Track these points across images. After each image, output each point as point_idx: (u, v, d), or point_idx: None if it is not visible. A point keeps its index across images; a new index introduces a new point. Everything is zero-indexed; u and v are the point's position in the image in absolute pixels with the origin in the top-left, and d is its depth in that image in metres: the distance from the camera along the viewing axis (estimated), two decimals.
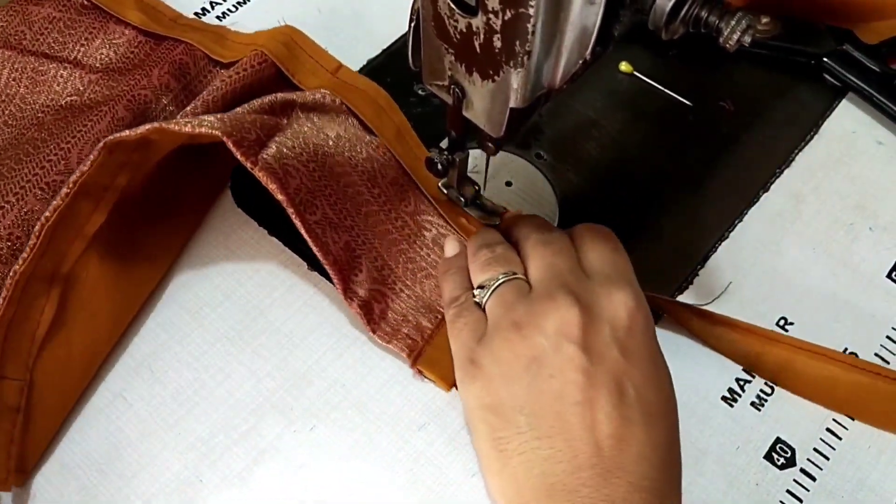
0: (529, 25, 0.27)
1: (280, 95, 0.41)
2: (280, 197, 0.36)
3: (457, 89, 0.33)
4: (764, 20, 0.50)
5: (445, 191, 0.42)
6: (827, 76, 0.50)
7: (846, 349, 0.41)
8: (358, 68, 0.49)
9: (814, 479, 0.38)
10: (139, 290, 0.40)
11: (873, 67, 0.49)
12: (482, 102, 0.32)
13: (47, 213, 0.36)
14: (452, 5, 0.29)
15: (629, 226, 0.44)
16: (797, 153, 0.48)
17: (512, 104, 0.31)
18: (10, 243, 0.39)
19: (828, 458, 0.38)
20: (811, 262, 0.44)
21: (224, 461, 0.37)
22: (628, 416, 0.31)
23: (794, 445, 0.38)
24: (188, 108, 0.42)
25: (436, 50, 0.32)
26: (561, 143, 0.47)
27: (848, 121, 0.49)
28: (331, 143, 0.40)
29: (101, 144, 0.35)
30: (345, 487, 0.36)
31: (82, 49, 0.48)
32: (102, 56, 0.48)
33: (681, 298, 0.42)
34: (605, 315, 0.33)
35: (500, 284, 0.36)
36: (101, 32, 0.48)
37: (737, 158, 0.47)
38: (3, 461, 0.35)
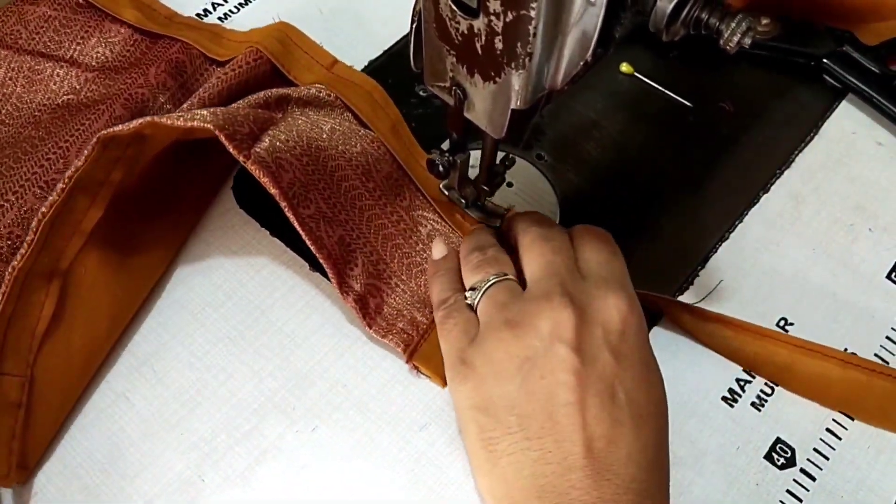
0: (531, 27, 0.27)
1: (275, 91, 0.42)
2: (273, 190, 0.36)
3: (458, 91, 0.33)
4: (764, 21, 0.50)
5: (447, 192, 0.42)
6: (827, 77, 0.50)
7: (846, 349, 0.41)
8: (360, 69, 0.49)
9: (814, 479, 0.38)
10: (139, 287, 0.41)
11: (873, 68, 0.49)
12: (483, 104, 0.33)
13: (44, 209, 0.36)
14: (454, 7, 0.29)
15: (629, 226, 0.44)
16: (797, 154, 0.48)
17: (513, 105, 0.31)
18: (9, 242, 0.39)
19: (828, 459, 0.38)
20: (811, 262, 0.44)
21: (226, 461, 0.37)
22: (618, 418, 0.31)
23: (793, 445, 0.39)
24: (185, 106, 0.42)
25: (437, 51, 0.32)
26: (562, 143, 0.47)
27: (847, 122, 0.49)
28: (325, 136, 0.40)
29: (95, 139, 0.36)
30: (346, 487, 0.37)
31: (78, 48, 0.48)
32: (98, 54, 0.48)
33: (681, 299, 0.42)
34: (599, 318, 0.33)
35: (491, 285, 0.36)
36: (97, 31, 0.48)
37: (737, 159, 0.47)
38: (5, 457, 0.35)
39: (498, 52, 0.29)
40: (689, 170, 0.47)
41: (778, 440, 0.39)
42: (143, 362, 0.39)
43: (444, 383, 0.39)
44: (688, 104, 0.49)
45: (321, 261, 0.38)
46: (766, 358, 0.40)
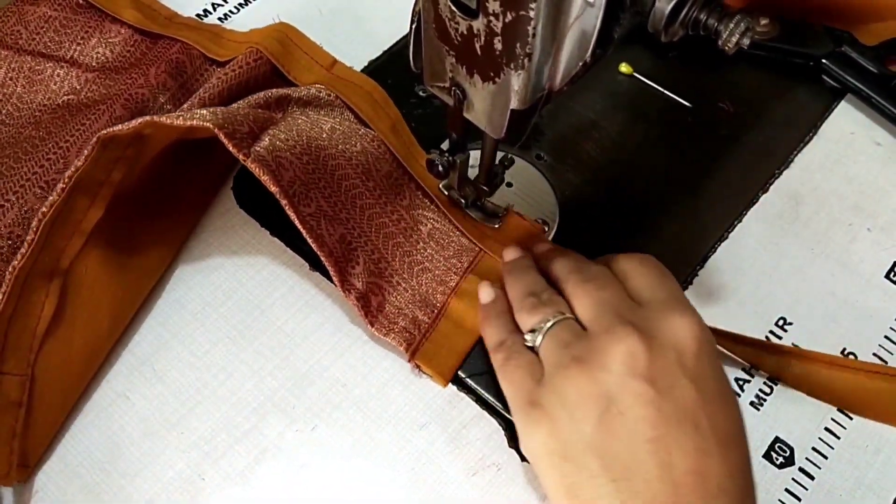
0: (530, 28, 0.27)
1: (275, 91, 0.42)
2: (273, 189, 0.36)
3: (458, 91, 0.33)
4: (763, 22, 0.50)
5: (447, 192, 0.42)
6: (825, 77, 0.50)
7: (844, 349, 0.41)
8: (359, 69, 0.49)
9: (812, 477, 0.38)
10: (139, 287, 0.41)
11: (872, 69, 0.49)
12: (483, 104, 0.33)
13: (44, 209, 0.36)
14: (453, 7, 0.29)
15: (628, 226, 0.44)
16: (796, 154, 0.48)
17: (513, 106, 0.31)
18: (10, 241, 0.39)
19: (826, 458, 0.38)
20: (810, 262, 0.44)
21: (226, 460, 0.37)
22: (704, 449, 0.30)
23: (792, 445, 0.39)
24: (185, 106, 0.42)
25: (437, 52, 0.32)
26: (561, 144, 0.47)
27: (846, 122, 0.49)
28: (325, 135, 0.40)
29: (94, 139, 0.36)
30: (346, 486, 0.37)
31: (78, 48, 0.48)
32: (98, 55, 0.48)
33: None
34: (669, 342, 0.31)
35: (553, 325, 0.34)
36: (97, 31, 0.49)
37: (736, 159, 0.47)
38: (6, 455, 0.35)
39: (497, 53, 0.29)
40: (688, 170, 0.47)
41: (777, 439, 0.39)
42: (143, 361, 0.39)
43: (445, 382, 0.39)
44: (687, 104, 0.49)
45: (322, 259, 0.38)
46: (764, 367, 0.39)
